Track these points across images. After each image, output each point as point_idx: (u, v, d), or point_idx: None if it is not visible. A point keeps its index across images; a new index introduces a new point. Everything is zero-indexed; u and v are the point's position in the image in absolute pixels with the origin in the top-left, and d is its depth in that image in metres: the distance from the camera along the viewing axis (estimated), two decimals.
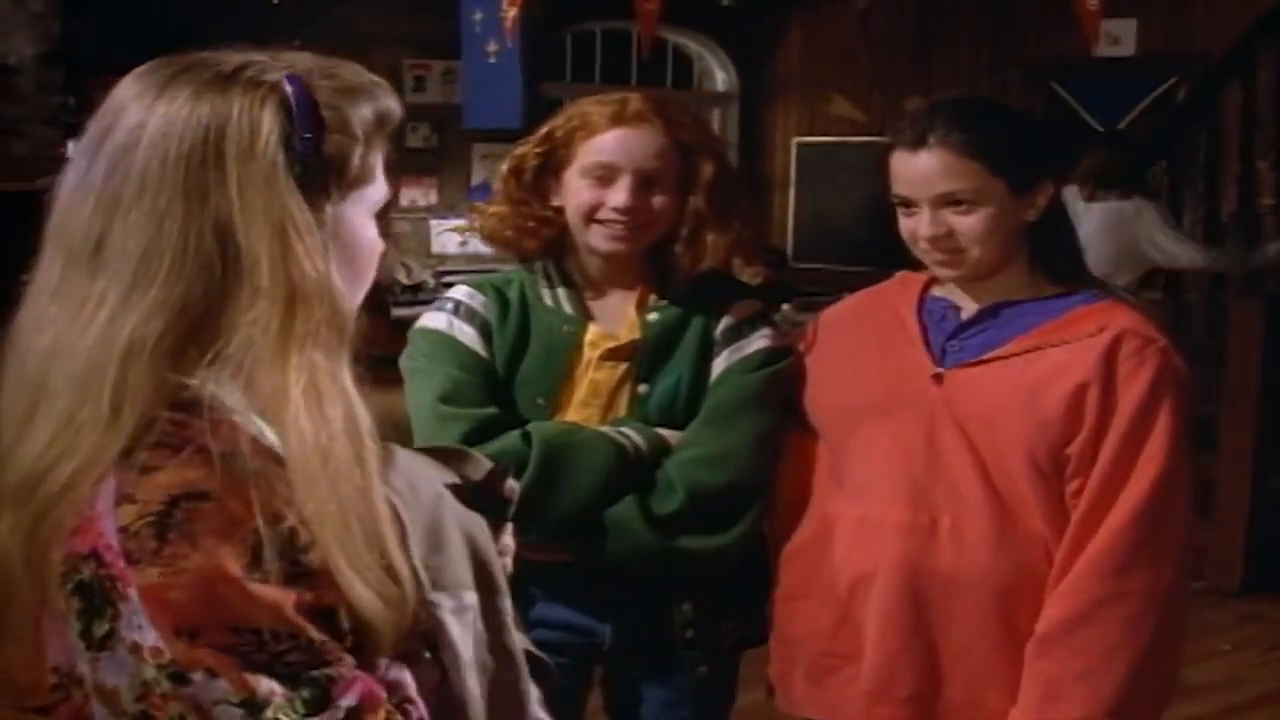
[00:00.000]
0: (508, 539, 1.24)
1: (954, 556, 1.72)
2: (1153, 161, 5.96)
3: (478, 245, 2.20)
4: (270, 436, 0.96)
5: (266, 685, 0.91)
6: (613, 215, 1.84)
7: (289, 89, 1.00)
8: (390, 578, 0.98)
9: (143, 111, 0.99)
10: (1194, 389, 1.74)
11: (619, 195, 1.83)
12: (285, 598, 0.92)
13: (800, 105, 8.80)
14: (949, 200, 1.72)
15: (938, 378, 1.77)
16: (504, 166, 1.94)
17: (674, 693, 1.93)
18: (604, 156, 1.84)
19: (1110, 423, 1.66)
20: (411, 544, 1.04)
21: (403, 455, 1.12)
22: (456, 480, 1.17)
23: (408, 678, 1.02)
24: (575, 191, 1.86)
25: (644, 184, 1.84)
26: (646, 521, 1.79)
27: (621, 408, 1.87)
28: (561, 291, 1.91)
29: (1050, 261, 1.80)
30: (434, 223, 7.79)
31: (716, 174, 1.89)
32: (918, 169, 1.72)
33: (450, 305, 1.90)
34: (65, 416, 0.95)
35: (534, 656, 1.19)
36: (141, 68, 1.03)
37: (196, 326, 0.97)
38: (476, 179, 7.85)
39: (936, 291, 1.86)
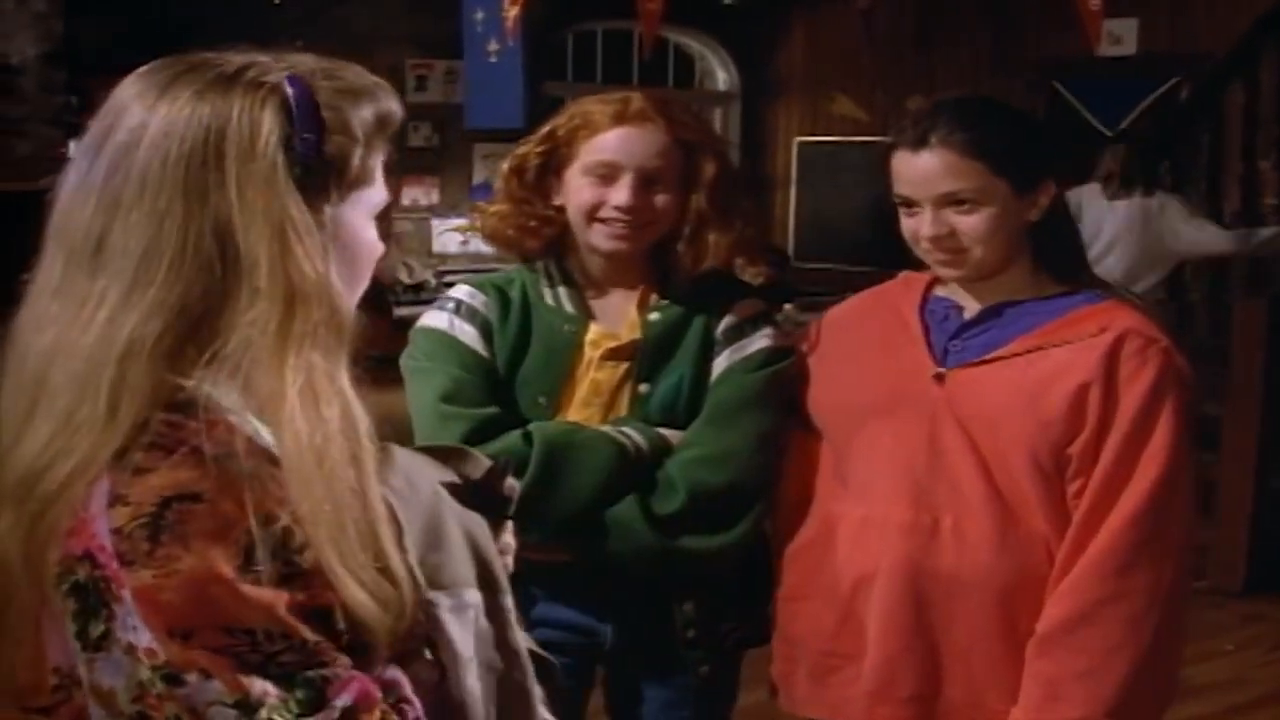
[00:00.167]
0: (508, 538, 1.24)
1: (956, 556, 1.72)
2: (1158, 160, 5.97)
3: (479, 245, 2.20)
4: (266, 437, 0.96)
5: (260, 686, 0.91)
6: (614, 214, 1.84)
7: (290, 90, 1.00)
8: (386, 579, 0.98)
9: (144, 112, 0.99)
10: (1197, 389, 1.73)
11: (621, 194, 1.83)
12: (278, 598, 0.92)
13: (802, 105, 8.80)
14: (951, 200, 1.72)
15: (940, 378, 1.77)
16: (505, 165, 1.94)
17: (675, 693, 1.92)
18: (606, 155, 1.84)
19: (1112, 423, 1.66)
20: (409, 542, 1.04)
21: (401, 454, 1.12)
22: (456, 479, 1.17)
23: (403, 677, 1.01)
24: (577, 190, 1.86)
25: (646, 183, 1.84)
26: (648, 521, 1.79)
27: (623, 407, 1.87)
28: (563, 291, 1.91)
29: (1053, 261, 1.80)
30: (435, 222, 7.80)
31: (718, 173, 1.89)
32: (920, 169, 1.72)
33: (451, 305, 1.90)
34: (64, 416, 0.95)
35: (538, 656, 1.18)
36: (144, 68, 1.03)
37: (195, 326, 0.97)
38: (478, 178, 7.85)
39: (939, 291, 1.86)
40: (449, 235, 7.50)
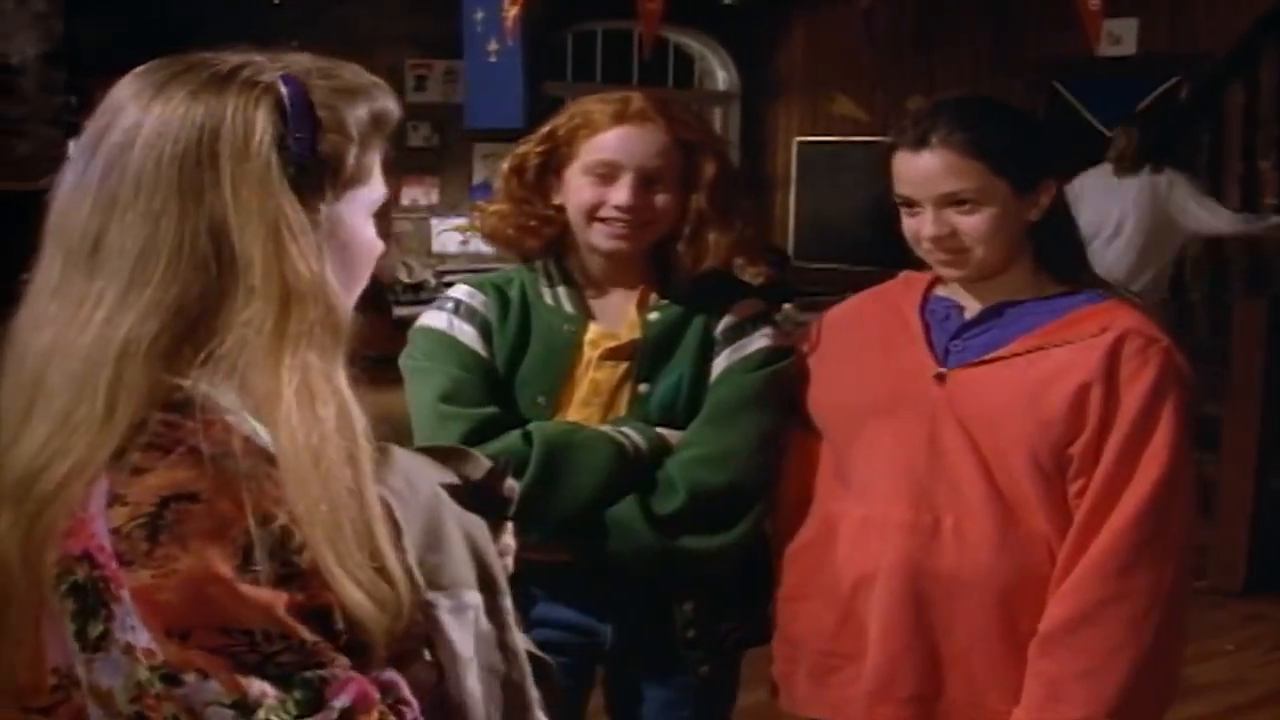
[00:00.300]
0: (508, 539, 1.23)
1: (956, 556, 1.72)
2: (1182, 137, 6.01)
3: (479, 244, 2.20)
4: (264, 436, 0.95)
5: (258, 686, 0.91)
6: (614, 214, 1.84)
7: (284, 89, 1.00)
8: (383, 578, 0.98)
9: (139, 111, 0.99)
10: (1197, 389, 1.73)
11: (621, 194, 1.83)
12: (277, 599, 0.92)
13: (802, 105, 8.80)
14: (952, 200, 1.72)
15: (940, 377, 1.77)
16: (505, 165, 1.93)
17: (675, 693, 1.92)
18: (606, 155, 1.84)
19: (1113, 423, 1.66)
20: (407, 543, 1.04)
21: (401, 455, 1.12)
22: (456, 480, 1.17)
23: (401, 678, 1.01)
24: (577, 190, 1.86)
25: (646, 182, 1.84)
26: (647, 521, 1.79)
27: (622, 407, 1.86)
28: (562, 290, 1.91)
29: (1053, 261, 1.80)
30: (435, 222, 7.80)
31: (719, 173, 1.89)
32: (920, 169, 1.72)
33: (450, 304, 1.90)
34: (61, 416, 0.95)
35: (536, 658, 1.18)
36: (140, 68, 1.03)
37: (192, 326, 0.97)
38: (478, 178, 7.85)
39: (940, 291, 1.86)
40: (448, 235, 7.50)
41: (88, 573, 0.92)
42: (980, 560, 1.71)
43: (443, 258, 7.69)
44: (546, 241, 1.93)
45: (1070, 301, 1.76)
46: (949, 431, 1.73)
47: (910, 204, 1.76)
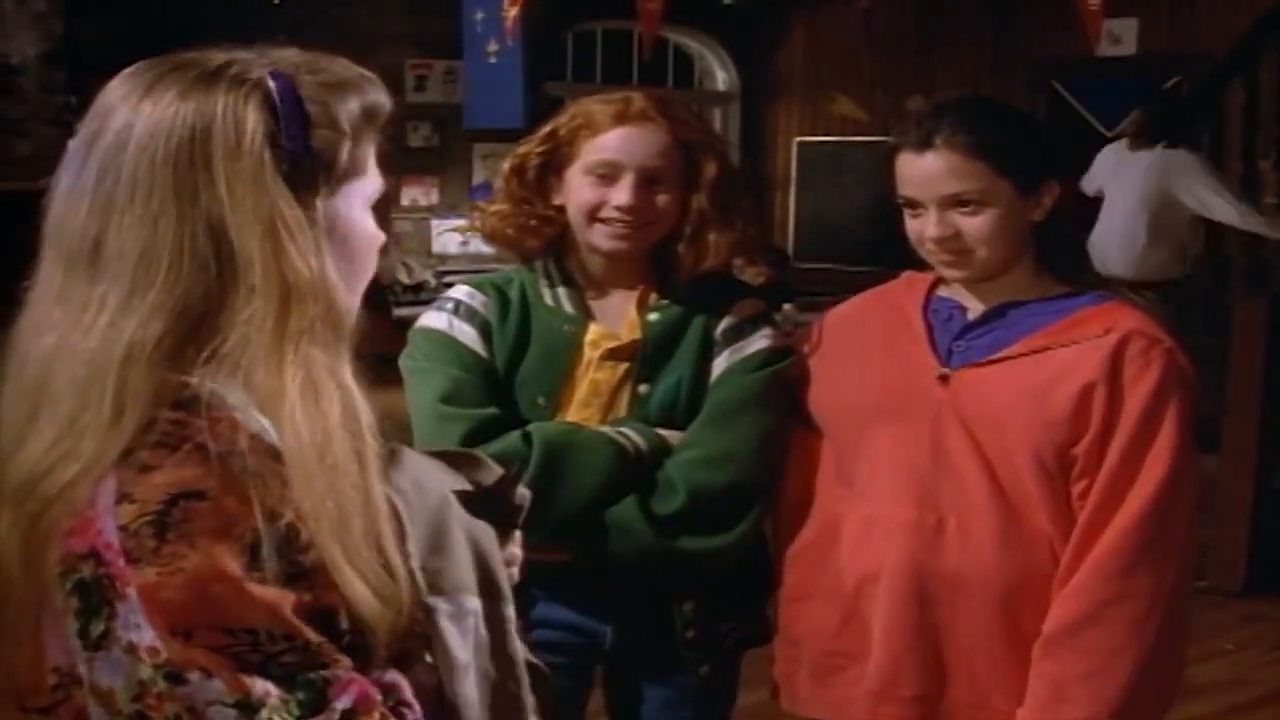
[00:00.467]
0: (515, 549, 1.23)
1: (960, 556, 1.72)
2: (1196, 117, 6.03)
3: (479, 245, 2.20)
4: (272, 433, 0.95)
5: (262, 686, 0.90)
6: (615, 214, 1.84)
7: (272, 85, 0.99)
8: (387, 574, 0.98)
9: (129, 113, 0.99)
10: (1198, 389, 1.73)
11: (622, 194, 1.83)
12: (284, 598, 0.92)
13: (802, 105, 8.80)
14: (956, 201, 1.72)
15: (944, 378, 1.77)
16: (506, 165, 1.93)
17: (675, 693, 1.92)
18: (607, 155, 1.84)
19: (1117, 423, 1.66)
20: (411, 544, 1.04)
21: (411, 456, 1.11)
22: (468, 486, 1.17)
23: (403, 680, 1.01)
24: (578, 190, 1.86)
25: (647, 183, 1.84)
26: (647, 522, 1.79)
27: (622, 408, 1.86)
28: (562, 291, 1.91)
29: (1056, 262, 1.80)
30: (435, 222, 7.80)
31: (719, 173, 1.88)
32: (924, 170, 1.72)
33: (450, 305, 1.90)
34: (67, 420, 0.95)
35: (532, 665, 1.18)
36: (129, 69, 1.03)
37: (195, 326, 0.96)
38: (478, 178, 7.85)
39: (943, 292, 1.86)
40: (449, 235, 7.49)
41: (93, 570, 0.92)
42: (984, 560, 1.71)
43: (443, 258, 7.69)
44: (547, 242, 1.93)
45: (1073, 302, 1.76)
46: (952, 432, 1.73)
47: (914, 205, 1.76)
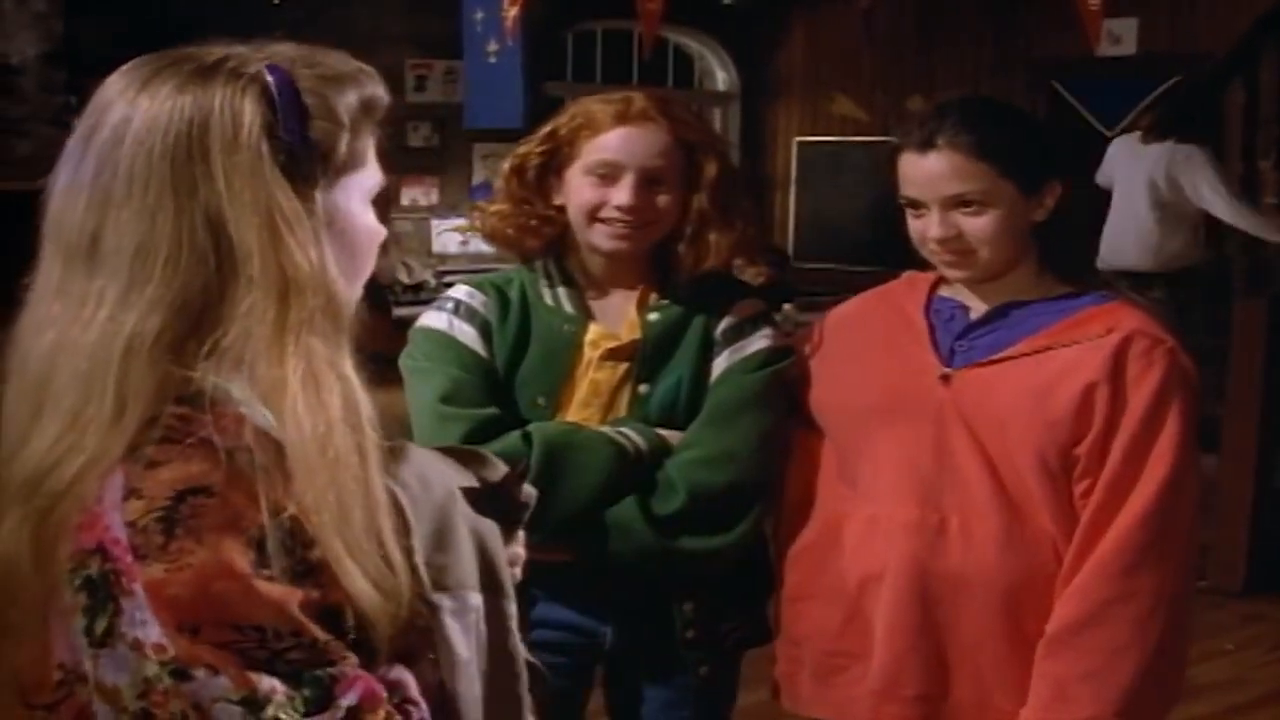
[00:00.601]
0: (518, 548, 1.23)
1: (962, 556, 1.72)
2: (1204, 111, 6.05)
3: (479, 245, 2.20)
4: (274, 427, 0.95)
5: (267, 683, 0.90)
6: (616, 214, 1.84)
7: (270, 78, 0.99)
8: (387, 566, 0.98)
9: (127, 107, 0.99)
10: (1200, 389, 1.74)
11: (622, 194, 1.83)
12: (291, 595, 0.92)
13: (802, 105, 8.80)
14: (958, 202, 1.72)
15: (946, 378, 1.77)
16: (506, 165, 1.93)
17: (675, 693, 1.92)
18: (608, 155, 1.84)
19: (1119, 423, 1.66)
20: (415, 540, 1.04)
21: (417, 452, 1.11)
22: (475, 483, 1.17)
23: (409, 677, 1.01)
24: (578, 190, 1.86)
25: (647, 183, 1.84)
26: (647, 522, 1.79)
27: (622, 408, 1.86)
28: (562, 291, 1.91)
29: (1059, 262, 1.80)
30: (435, 222, 7.79)
31: (720, 173, 1.88)
32: (926, 171, 1.72)
33: (450, 305, 1.90)
34: (70, 415, 0.95)
35: (529, 664, 1.18)
36: (126, 65, 1.03)
37: (196, 320, 0.96)
38: (478, 178, 7.85)
39: (944, 292, 1.86)
40: (449, 235, 7.50)
41: (100, 566, 0.91)
42: (986, 560, 1.71)
43: (443, 258, 7.69)
44: (547, 241, 1.93)
45: (1076, 302, 1.77)
46: (955, 432, 1.73)
47: (916, 205, 1.76)
